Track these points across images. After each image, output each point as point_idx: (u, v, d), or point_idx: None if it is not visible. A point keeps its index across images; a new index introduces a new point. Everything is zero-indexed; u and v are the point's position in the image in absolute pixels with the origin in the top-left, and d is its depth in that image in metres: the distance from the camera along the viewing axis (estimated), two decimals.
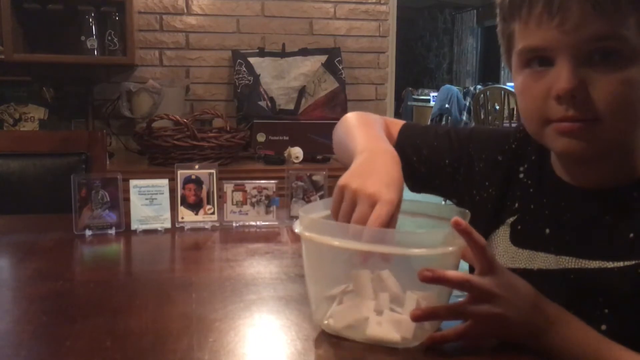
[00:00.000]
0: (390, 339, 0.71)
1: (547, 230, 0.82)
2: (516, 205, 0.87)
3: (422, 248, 0.69)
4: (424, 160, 0.99)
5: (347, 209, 0.75)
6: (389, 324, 0.71)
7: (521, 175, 0.88)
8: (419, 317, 0.69)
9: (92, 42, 2.46)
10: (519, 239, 0.86)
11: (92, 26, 2.47)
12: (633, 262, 0.74)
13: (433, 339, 0.71)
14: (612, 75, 0.69)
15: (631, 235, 0.75)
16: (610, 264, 0.75)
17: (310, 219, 0.76)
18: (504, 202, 0.89)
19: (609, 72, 0.69)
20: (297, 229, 0.74)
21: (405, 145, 0.99)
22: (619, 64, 0.69)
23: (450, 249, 0.70)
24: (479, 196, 0.92)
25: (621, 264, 0.74)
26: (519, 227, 0.86)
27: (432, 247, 0.70)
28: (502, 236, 0.88)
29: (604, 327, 0.74)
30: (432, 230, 0.73)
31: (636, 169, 0.77)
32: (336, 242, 0.70)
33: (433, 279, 0.68)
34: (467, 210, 0.77)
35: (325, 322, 0.75)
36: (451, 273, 0.68)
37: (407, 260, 0.73)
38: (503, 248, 0.87)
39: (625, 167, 0.78)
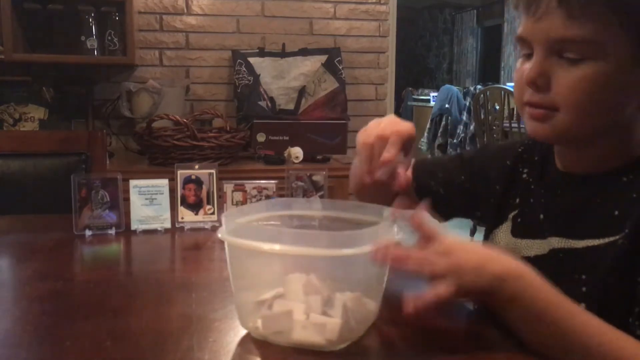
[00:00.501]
0: (316, 342, 0.71)
1: (541, 216, 0.87)
2: (517, 200, 0.92)
3: (350, 248, 0.69)
4: (441, 182, 1.05)
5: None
6: (314, 328, 0.71)
7: (524, 176, 0.94)
8: (376, 257, 0.71)
9: (92, 42, 2.46)
10: (518, 231, 0.91)
11: (92, 26, 2.47)
12: (617, 237, 0.76)
13: (415, 307, 0.71)
14: (574, 71, 0.74)
15: (616, 212, 0.77)
16: (596, 242, 0.78)
17: (237, 224, 0.76)
18: (507, 200, 0.94)
19: (572, 67, 0.75)
20: (221, 234, 0.74)
21: (420, 175, 1.05)
22: (583, 60, 0.74)
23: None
24: (490, 196, 0.97)
25: (606, 240, 0.77)
26: (519, 219, 0.91)
27: (358, 247, 0.70)
28: (504, 231, 0.93)
29: (583, 305, 0.75)
30: (357, 231, 0.73)
31: (626, 154, 0.80)
32: (265, 247, 0.70)
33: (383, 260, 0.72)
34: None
35: (253, 325, 0.75)
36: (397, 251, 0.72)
37: (336, 262, 0.73)
38: (505, 242, 0.92)
39: (615, 152, 0.81)
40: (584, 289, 0.77)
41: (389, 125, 0.86)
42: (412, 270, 0.73)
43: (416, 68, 10.15)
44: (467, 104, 4.99)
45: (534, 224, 0.87)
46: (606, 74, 0.74)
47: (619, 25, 0.72)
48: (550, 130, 0.79)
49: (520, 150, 0.96)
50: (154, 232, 1.30)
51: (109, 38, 2.47)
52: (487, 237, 0.97)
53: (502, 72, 8.00)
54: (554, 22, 0.74)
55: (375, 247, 0.71)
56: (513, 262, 0.72)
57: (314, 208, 0.91)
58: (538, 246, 0.86)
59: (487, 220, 0.98)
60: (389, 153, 0.83)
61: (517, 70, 0.83)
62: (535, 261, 0.82)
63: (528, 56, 0.80)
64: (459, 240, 0.73)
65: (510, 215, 0.92)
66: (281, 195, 1.33)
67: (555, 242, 0.83)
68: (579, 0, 0.72)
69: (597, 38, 0.73)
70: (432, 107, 5.89)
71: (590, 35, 0.72)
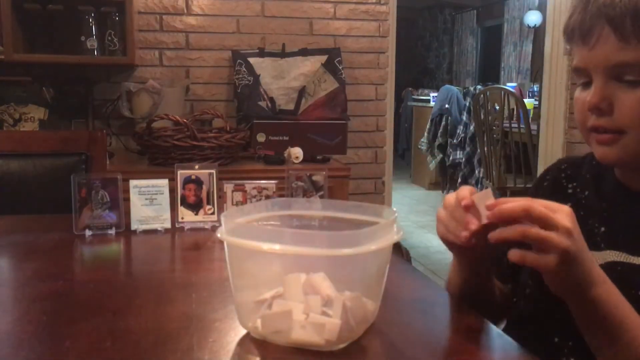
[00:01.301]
0: (315, 342, 0.71)
1: (603, 229, 0.87)
2: None
3: (350, 248, 0.69)
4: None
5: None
6: (313, 328, 0.71)
7: (570, 191, 0.96)
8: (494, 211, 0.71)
9: (92, 42, 2.46)
10: None
11: (92, 26, 2.47)
12: None
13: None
14: (636, 92, 0.77)
15: None
16: None
17: (236, 224, 0.76)
18: None
19: (633, 89, 0.77)
20: (221, 234, 0.74)
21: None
22: None
23: (374, 248, 0.71)
24: None
25: None
26: None
27: (358, 247, 0.70)
28: None
29: None
30: (357, 231, 0.73)
31: None
32: (265, 247, 0.70)
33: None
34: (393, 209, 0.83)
35: (252, 325, 0.75)
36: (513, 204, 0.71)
37: (336, 262, 0.73)
38: None
39: None
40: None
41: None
42: (529, 240, 0.70)
43: (416, 68, 10.15)
44: (467, 104, 4.99)
45: (589, 235, 0.86)
46: None
47: None
48: (619, 153, 0.81)
49: (563, 167, 0.99)
50: (154, 232, 1.30)
51: (109, 38, 2.47)
52: None
53: (502, 72, 8.00)
54: (609, 49, 0.77)
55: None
56: (600, 270, 0.74)
57: (314, 208, 0.91)
58: None
59: None
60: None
61: (576, 98, 0.85)
62: None
63: (586, 84, 0.82)
64: (578, 229, 0.71)
65: None
66: (281, 195, 1.33)
67: (614, 256, 0.84)
68: (632, 24, 0.75)
69: None
70: (432, 107, 5.89)
71: None
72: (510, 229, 0.71)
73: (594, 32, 0.79)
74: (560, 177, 0.98)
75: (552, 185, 0.98)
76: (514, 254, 0.71)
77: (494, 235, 0.73)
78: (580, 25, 0.81)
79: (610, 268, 0.82)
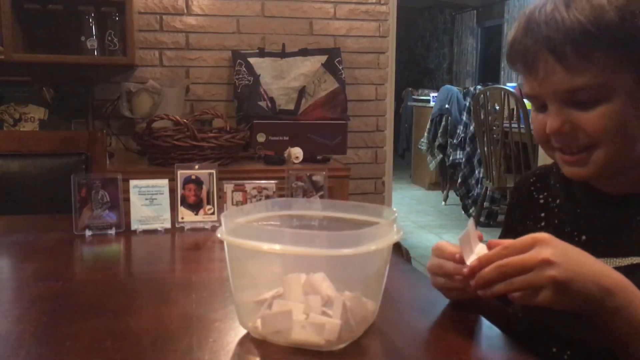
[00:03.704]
0: (315, 342, 0.71)
1: (584, 237, 0.87)
2: (542, 224, 0.94)
3: (350, 248, 0.69)
4: None
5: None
6: (313, 328, 0.71)
7: (542, 201, 0.96)
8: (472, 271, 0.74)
9: (92, 42, 2.46)
10: None
11: (92, 26, 2.47)
12: None
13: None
14: (592, 112, 0.79)
15: None
16: None
17: (236, 224, 0.76)
18: (526, 224, 0.96)
19: (589, 109, 0.79)
20: (221, 234, 0.74)
21: None
22: (597, 102, 0.78)
23: (374, 248, 0.71)
24: (509, 234, 0.99)
25: None
26: None
27: (358, 247, 0.70)
28: None
29: None
30: (357, 231, 0.73)
31: None
32: (265, 247, 0.70)
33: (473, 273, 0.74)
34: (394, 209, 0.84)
35: (252, 325, 0.75)
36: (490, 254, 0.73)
37: (336, 262, 0.73)
38: None
39: None
40: None
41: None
42: (517, 289, 0.71)
43: (416, 68, 10.15)
44: (467, 104, 4.98)
45: (570, 244, 0.87)
46: (621, 106, 0.78)
47: (618, 63, 0.77)
48: (590, 170, 0.82)
49: (532, 180, 1.00)
50: (154, 232, 1.30)
51: (109, 38, 2.47)
52: None
53: (502, 73, 8.00)
54: (557, 79, 0.78)
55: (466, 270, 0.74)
56: (616, 274, 0.72)
57: (314, 208, 0.91)
58: None
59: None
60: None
61: (533, 119, 0.87)
62: None
63: (541, 107, 0.84)
64: (559, 250, 0.71)
65: None
66: (281, 195, 1.33)
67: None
68: (574, 51, 0.76)
69: (601, 81, 0.77)
70: (432, 107, 5.88)
71: (594, 80, 0.77)
72: (498, 288, 0.72)
73: (538, 63, 0.80)
74: (530, 190, 0.99)
75: (524, 199, 0.99)
76: (516, 299, 0.72)
77: (485, 293, 0.74)
78: (523, 56, 0.81)
79: None
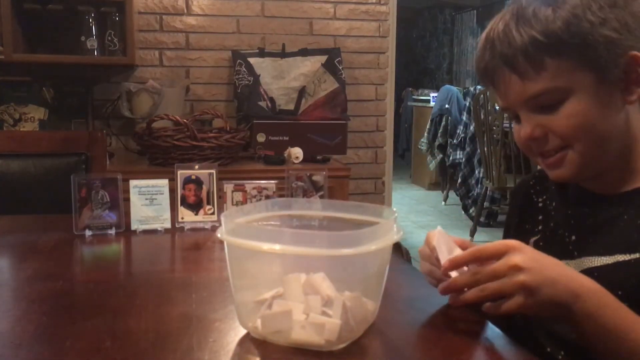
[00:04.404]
0: (315, 342, 0.71)
1: (573, 237, 0.89)
2: (539, 227, 0.96)
3: (350, 248, 0.70)
4: None
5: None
6: (313, 328, 0.71)
7: (540, 205, 0.98)
8: (445, 290, 0.81)
9: (92, 42, 2.46)
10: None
11: (92, 26, 2.47)
12: None
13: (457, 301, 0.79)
14: (558, 113, 0.82)
15: None
16: (627, 257, 0.80)
17: (236, 224, 0.76)
18: (524, 227, 0.99)
19: (554, 111, 0.82)
20: (221, 234, 0.75)
21: None
22: (560, 103, 0.81)
23: (374, 248, 0.72)
24: (507, 234, 1.04)
25: (637, 255, 0.79)
26: (541, 243, 0.94)
27: (358, 247, 0.70)
28: None
29: None
30: (357, 231, 0.73)
31: None
32: (265, 247, 0.70)
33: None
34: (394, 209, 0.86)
35: (252, 325, 0.75)
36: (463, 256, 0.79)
37: (336, 262, 0.73)
38: None
39: (638, 168, 0.85)
40: (626, 303, 0.77)
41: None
42: (488, 295, 0.76)
43: (416, 68, 10.15)
44: (467, 104, 4.98)
45: (561, 245, 0.90)
46: (585, 105, 0.81)
47: (571, 64, 0.80)
48: (569, 170, 0.85)
49: (532, 182, 1.02)
50: (154, 232, 1.30)
51: (109, 38, 2.47)
52: None
53: None
54: (517, 89, 0.83)
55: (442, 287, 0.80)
56: (586, 280, 0.75)
57: (314, 208, 0.91)
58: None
59: None
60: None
61: (513, 129, 0.92)
62: None
63: (516, 118, 0.88)
64: (528, 256, 0.75)
65: (532, 241, 0.95)
66: (281, 195, 1.33)
67: (588, 262, 0.84)
68: (525, 60, 0.81)
69: (558, 84, 0.80)
70: (432, 107, 5.88)
71: (550, 84, 0.80)
72: (470, 294, 0.77)
73: (499, 77, 0.84)
74: (530, 193, 1.01)
75: (524, 202, 1.01)
76: (488, 308, 0.78)
77: (455, 302, 0.81)
78: (485, 72, 0.87)
79: (587, 275, 0.83)
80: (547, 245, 0.92)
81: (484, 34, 0.88)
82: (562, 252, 0.88)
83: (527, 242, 0.93)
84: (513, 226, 1.02)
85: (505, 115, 3.92)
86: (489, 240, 1.17)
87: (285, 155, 2.40)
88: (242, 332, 0.77)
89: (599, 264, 0.83)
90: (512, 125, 0.93)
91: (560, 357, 0.84)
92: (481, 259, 0.77)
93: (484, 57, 0.86)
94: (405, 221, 4.89)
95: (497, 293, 0.75)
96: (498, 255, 0.75)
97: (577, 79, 0.80)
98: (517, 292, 0.73)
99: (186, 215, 1.33)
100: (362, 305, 0.75)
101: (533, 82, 0.81)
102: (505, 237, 1.04)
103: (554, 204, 0.95)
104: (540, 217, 0.97)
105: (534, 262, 0.73)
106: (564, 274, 0.74)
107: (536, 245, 0.94)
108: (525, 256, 0.74)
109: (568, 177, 0.87)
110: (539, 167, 0.96)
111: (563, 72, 0.80)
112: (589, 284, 0.74)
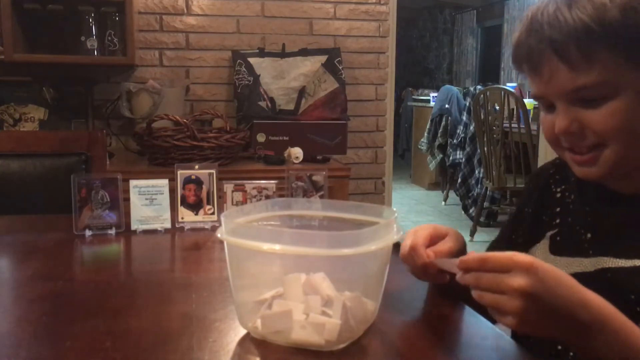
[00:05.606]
0: (315, 342, 0.71)
1: (589, 235, 0.87)
2: (557, 220, 0.93)
3: (350, 248, 0.69)
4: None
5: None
6: (313, 328, 0.71)
7: (558, 195, 0.95)
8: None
9: (92, 42, 2.46)
10: (557, 249, 0.91)
11: (92, 26, 2.47)
12: None
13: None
14: (600, 110, 0.78)
15: None
16: None
17: (236, 224, 0.76)
18: (541, 219, 0.96)
19: (596, 107, 0.78)
20: (221, 234, 0.74)
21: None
22: (604, 99, 0.78)
23: (374, 248, 0.71)
24: (522, 221, 1.01)
25: None
26: (558, 238, 0.92)
27: (358, 247, 0.70)
28: (541, 249, 0.94)
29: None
30: (357, 231, 0.72)
31: None
32: (265, 247, 0.70)
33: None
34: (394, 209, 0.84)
35: (252, 325, 0.75)
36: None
37: (336, 262, 0.73)
38: (542, 258, 0.90)
39: None
40: (638, 309, 0.76)
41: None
42: (485, 304, 0.72)
43: (416, 68, 10.15)
44: (467, 104, 4.98)
45: (577, 241, 0.87)
46: (629, 104, 0.77)
47: (624, 60, 0.76)
48: (600, 170, 0.81)
49: (552, 171, 0.98)
50: (154, 232, 1.30)
51: (109, 38, 2.47)
52: None
53: (502, 73, 8.00)
54: (563, 79, 0.78)
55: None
56: (593, 309, 0.69)
57: (314, 208, 0.91)
58: (579, 264, 0.86)
59: (521, 242, 0.99)
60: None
61: (542, 120, 0.86)
62: (576, 278, 0.81)
63: (549, 107, 0.84)
64: (537, 279, 0.69)
65: (548, 234, 0.93)
66: (281, 195, 1.33)
67: (602, 262, 0.83)
68: (578, 50, 0.76)
69: (607, 79, 0.76)
70: (432, 107, 5.88)
71: (599, 78, 0.76)
72: (473, 293, 0.72)
73: (543, 64, 0.80)
74: (549, 182, 0.98)
75: (542, 191, 0.98)
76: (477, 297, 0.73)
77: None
78: (528, 57, 0.82)
79: (599, 275, 0.82)
80: (563, 241, 0.91)
81: (529, 14, 0.82)
82: (577, 249, 0.87)
83: (543, 235, 0.93)
84: (529, 215, 0.99)
85: (505, 115, 3.92)
86: (489, 240, 1.16)
87: (285, 155, 2.40)
88: (242, 332, 0.77)
89: (613, 266, 0.81)
90: (541, 115, 0.86)
91: (570, 355, 0.83)
92: (485, 269, 0.71)
93: (528, 41, 0.80)
94: (405, 221, 4.89)
95: (494, 306, 0.70)
96: (503, 270, 0.69)
97: (626, 75, 0.76)
98: (512, 315, 0.68)
99: (186, 215, 1.33)
100: (362, 305, 0.75)
101: (582, 73, 0.77)
102: (515, 222, 1.01)
103: (572, 196, 0.93)
104: (558, 210, 0.94)
105: (539, 289, 0.67)
106: (569, 308, 0.68)
107: (553, 240, 0.92)
108: (530, 280, 0.67)
109: (597, 176, 0.83)
110: (539, 165, 0.95)
111: (613, 67, 0.76)
112: (597, 314, 0.68)
